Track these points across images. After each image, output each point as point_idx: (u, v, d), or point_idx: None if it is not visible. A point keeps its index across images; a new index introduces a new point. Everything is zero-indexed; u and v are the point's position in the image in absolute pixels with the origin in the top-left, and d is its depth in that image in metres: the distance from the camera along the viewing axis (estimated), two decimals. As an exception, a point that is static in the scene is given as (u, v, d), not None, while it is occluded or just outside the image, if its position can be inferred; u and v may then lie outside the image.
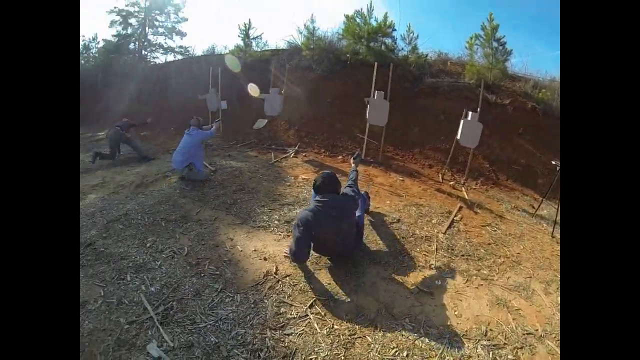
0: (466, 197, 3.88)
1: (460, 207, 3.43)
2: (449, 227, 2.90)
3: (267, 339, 1.63)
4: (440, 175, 4.59)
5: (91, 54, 11.40)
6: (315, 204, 2.02)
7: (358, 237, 2.28)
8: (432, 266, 2.28)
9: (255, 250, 2.46)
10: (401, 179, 4.31)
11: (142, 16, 11.19)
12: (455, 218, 3.12)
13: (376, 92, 4.57)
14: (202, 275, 2.16)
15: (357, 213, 2.31)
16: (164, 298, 1.92)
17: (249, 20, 8.07)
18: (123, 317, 1.76)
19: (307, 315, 1.78)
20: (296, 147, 5.45)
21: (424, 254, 2.43)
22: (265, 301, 1.91)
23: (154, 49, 11.50)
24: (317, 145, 5.65)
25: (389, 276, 2.13)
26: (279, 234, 2.71)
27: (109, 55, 10.53)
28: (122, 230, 2.67)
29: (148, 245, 2.48)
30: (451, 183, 4.34)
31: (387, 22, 6.22)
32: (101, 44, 11.26)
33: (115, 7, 11.07)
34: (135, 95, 8.84)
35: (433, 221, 3.04)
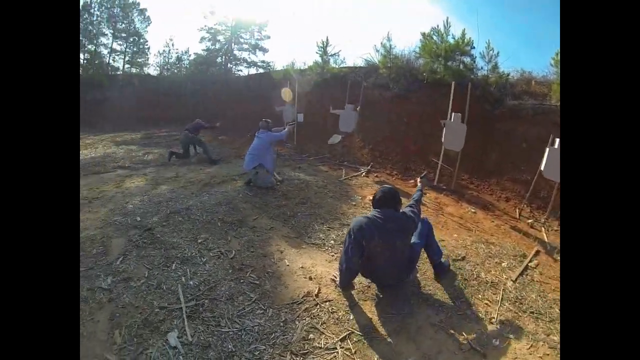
0: (546, 239, 3.33)
1: (538, 252, 2.96)
2: (521, 274, 2.49)
3: None
4: (517, 210, 4.15)
5: (183, 65, 14.10)
6: (372, 214, 1.87)
7: (411, 265, 2.02)
8: (493, 320, 1.91)
9: (302, 267, 2.21)
10: (473, 210, 3.93)
11: (229, 34, 13.55)
12: (529, 264, 2.68)
13: (453, 114, 4.34)
14: (241, 281, 2.01)
15: (414, 240, 2.05)
16: (199, 294, 1.87)
17: (327, 37, 8.66)
18: (157, 301, 1.78)
19: (336, 348, 1.56)
20: (369, 167, 5.36)
21: (486, 304, 2.06)
22: (297, 323, 1.66)
23: (238, 62, 13.70)
24: (390, 166, 5.53)
25: (439, 323, 1.82)
26: (332, 255, 2.43)
27: (198, 67, 12.81)
28: (180, 222, 2.81)
29: (199, 241, 2.51)
30: (529, 221, 3.81)
31: (465, 40, 5.98)
32: (192, 57, 13.91)
33: (205, 26, 13.94)
34: (218, 102, 10.33)
35: (503, 264, 2.58)
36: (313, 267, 2.22)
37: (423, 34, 6.43)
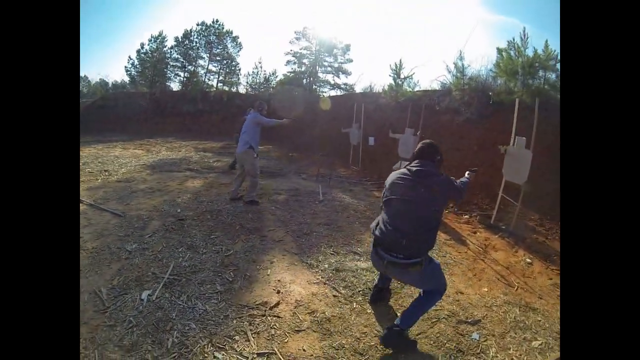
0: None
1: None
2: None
3: (199, 348, 1.79)
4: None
5: (270, 85, 17.27)
6: (408, 166, 2.00)
7: (427, 236, 1.88)
8: None
9: (278, 281, 2.61)
10: (529, 260, 3.48)
11: (313, 58, 15.92)
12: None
13: (516, 137, 4.05)
14: (219, 274, 2.60)
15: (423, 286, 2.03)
16: (183, 272, 2.59)
17: (400, 60, 9.06)
18: (153, 268, 2.62)
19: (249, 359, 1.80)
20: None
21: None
22: (234, 322, 2.04)
23: (322, 84, 15.96)
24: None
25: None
26: (318, 278, 2.69)
27: (284, 87, 15.37)
28: (207, 220, 3.74)
29: (212, 236, 3.30)
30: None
31: (549, 52, 5.08)
32: (278, 78, 16.93)
33: (291, 50, 17.32)
34: (300, 121, 11.82)
35: (533, 343, 2.13)
36: (289, 284, 2.56)
37: (499, 49, 6.11)
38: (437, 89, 8.25)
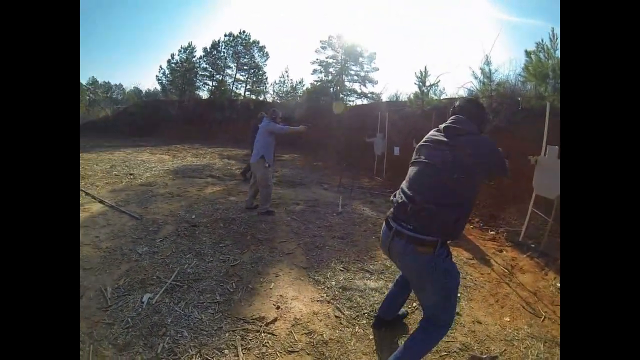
0: None
1: None
2: None
3: (187, 357, 1.83)
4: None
5: (297, 94, 17.82)
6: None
7: (450, 214, 1.49)
8: None
9: (280, 296, 2.59)
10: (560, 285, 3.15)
11: (339, 67, 16.27)
12: None
13: (548, 147, 3.77)
14: (222, 284, 2.64)
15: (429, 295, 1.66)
16: (186, 279, 2.67)
17: (425, 67, 9.00)
18: (158, 272, 2.75)
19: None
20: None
21: None
22: (226, 335, 2.05)
23: (349, 93, 16.30)
24: (475, 212, 5.32)
25: None
26: (323, 296, 2.64)
27: (311, 96, 15.78)
28: (219, 227, 3.84)
29: (221, 245, 3.38)
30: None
31: None
32: (305, 87, 17.51)
33: (317, 59, 17.76)
34: (326, 130, 12.01)
35: None
36: (290, 300, 2.54)
37: (527, 52, 6.00)
38: (464, 96, 8.15)
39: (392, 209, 1.70)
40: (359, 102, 16.99)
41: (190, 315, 2.17)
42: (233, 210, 4.53)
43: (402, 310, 2.34)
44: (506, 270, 3.37)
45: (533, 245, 3.94)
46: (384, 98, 14.70)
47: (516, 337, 2.30)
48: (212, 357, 1.84)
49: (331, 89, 17.64)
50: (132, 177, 6.32)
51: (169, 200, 4.79)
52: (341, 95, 17.09)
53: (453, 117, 1.66)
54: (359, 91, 17.91)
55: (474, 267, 3.37)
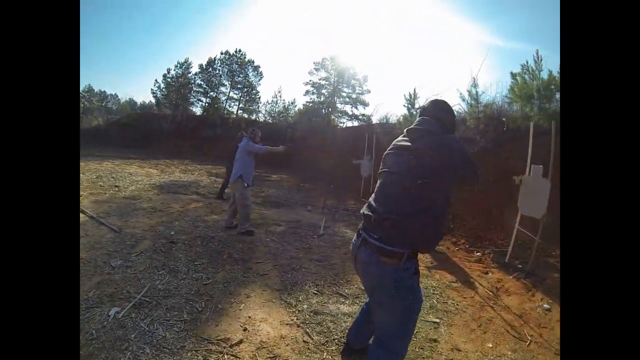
0: None
1: None
2: None
3: None
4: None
5: (289, 114, 18.31)
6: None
7: (415, 223, 1.46)
8: None
9: (249, 317, 2.62)
10: (547, 306, 3.14)
11: (332, 89, 16.93)
12: None
13: (532, 166, 3.93)
14: (190, 302, 2.67)
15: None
16: (155, 295, 2.69)
17: (414, 90, 9.56)
18: (129, 286, 2.78)
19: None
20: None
21: None
22: (188, 354, 2.07)
23: (340, 115, 16.91)
24: (462, 233, 5.47)
25: None
26: (293, 319, 2.66)
27: (302, 117, 16.17)
28: (197, 245, 3.89)
29: (196, 263, 3.42)
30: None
31: None
32: (297, 107, 18.08)
33: (310, 80, 18.58)
34: (317, 151, 12.20)
35: None
36: (259, 322, 2.56)
37: (513, 74, 6.33)
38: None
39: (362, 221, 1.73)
40: (349, 124, 17.52)
41: (154, 332, 2.20)
42: (213, 229, 4.59)
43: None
44: (491, 293, 3.36)
45: (520, 266, 3.96)
46: (375, 120, 15.30)
47: (494, 366, 2.30)
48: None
49: (323, 110, 18.23)
50: (117, 189, 6.34)
51: (151, 215, 4.83)
52: (332, 117, 17.63)
53: (418, 119, 1.67)
54: (350, 113, 18.58)
55: (456, 291, 3.39)
